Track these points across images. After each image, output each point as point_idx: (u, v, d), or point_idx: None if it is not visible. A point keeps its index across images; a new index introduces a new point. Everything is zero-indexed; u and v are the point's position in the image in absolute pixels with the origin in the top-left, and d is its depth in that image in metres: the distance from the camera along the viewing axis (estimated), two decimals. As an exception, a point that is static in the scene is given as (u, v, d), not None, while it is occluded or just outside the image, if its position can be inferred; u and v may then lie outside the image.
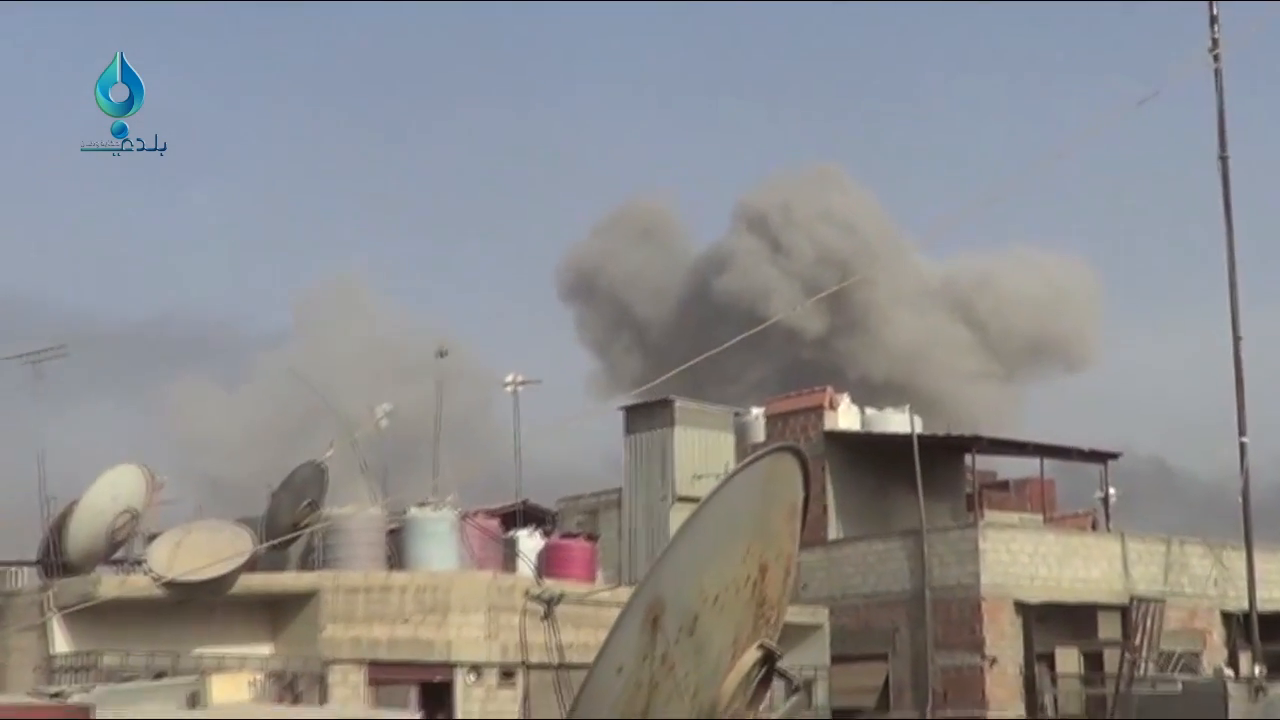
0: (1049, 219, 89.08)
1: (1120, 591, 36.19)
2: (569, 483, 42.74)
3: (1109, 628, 35.84)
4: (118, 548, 28.92)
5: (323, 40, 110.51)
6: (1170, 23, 64.40)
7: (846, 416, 40.27)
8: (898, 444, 37.83)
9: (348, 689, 26.83)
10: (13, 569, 30.20)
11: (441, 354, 35.40)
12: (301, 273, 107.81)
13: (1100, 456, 40.16)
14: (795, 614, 30.35)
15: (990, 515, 39.21)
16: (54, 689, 20.32)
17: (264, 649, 27.12)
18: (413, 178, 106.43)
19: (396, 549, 29.47)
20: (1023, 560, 35.57)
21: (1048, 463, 41.03)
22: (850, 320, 62.29)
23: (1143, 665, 33.78)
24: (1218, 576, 37.71)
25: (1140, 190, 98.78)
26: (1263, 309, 53.73)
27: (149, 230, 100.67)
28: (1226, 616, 37.42)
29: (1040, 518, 40.65)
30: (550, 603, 27.22)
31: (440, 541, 29.40)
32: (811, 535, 35.41)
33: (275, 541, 27.28)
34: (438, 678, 27.88)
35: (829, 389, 40.85)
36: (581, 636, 26.88)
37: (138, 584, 25.89)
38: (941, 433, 40.12)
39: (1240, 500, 29.21)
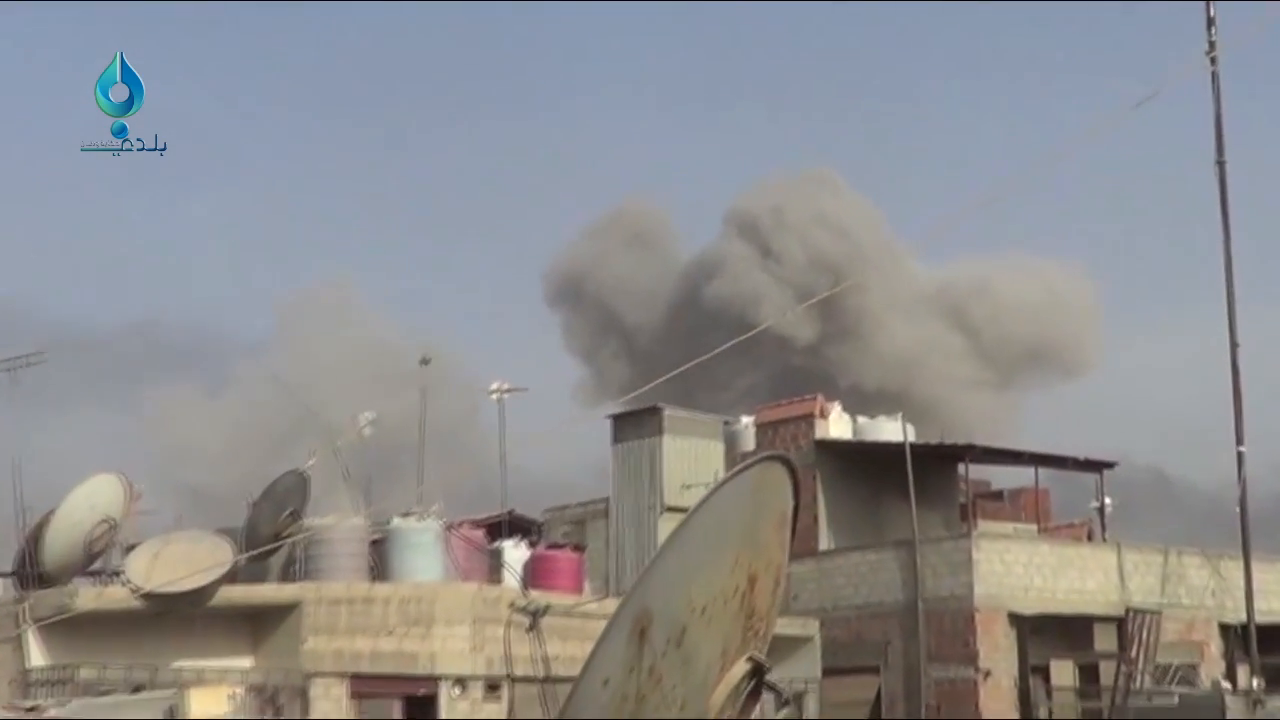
0: (1045, 223, 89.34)
1: (1116, 603, 36.24)
2: (555, 492, 42.80)
3: (1105, 640, 35.89)
4: (95, 558, 28.90)
5: (319, 42, 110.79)
6: (1171, 23, 64.47)
7: (838, 425, 40.30)
8: (890, 453, 37.87)
9: (330, 702, 26.82)
10: (-12, 580, 30.18)
11: (425, 361, 35.42)
12: (287, 278, 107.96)
13: (1096, 465, 40.22)
14: (785, 626, 30.37)
15: (984, 525, 39.25)
16: (29, 703, 20.32)
17: (244, 662, 27.11)
18: (406, 181, 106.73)
19: (380, 560, 29.47)
20: (1017, 571, 35.61)
21: (1043, 472, 41.08)
22: (842, 327, 62.33)
23: (1139, 678, 33.82)
24: (1215, 587, 37.74)
25: (1138, 193, 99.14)
26: (1263, 313, 53.88)
27: (138, 234, 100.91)
28: (1224, 628, 37.45)
29: (1035, 528, 40.71)
30: (535, 615, 27.23)
31: (424, 552, 29.39)
32: (802, 546, 35.44)
33: (256, 552, 27.25)
34: (421, 691, 27.87)
35: (820, 397, 40.87)
36: (568, 649, 26.81)
37: (116, 595, 25.89)
38: (935, 441, 40.16)
39: (1238, 510, 29.23)
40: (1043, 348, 66.70)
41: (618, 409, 39.89)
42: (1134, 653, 34.52)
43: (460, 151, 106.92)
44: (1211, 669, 36.25)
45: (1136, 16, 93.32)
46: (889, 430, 39.86)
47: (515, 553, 31.17)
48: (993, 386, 65.82)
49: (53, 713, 18.61)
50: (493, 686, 28.00)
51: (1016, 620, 35.11)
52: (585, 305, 70.48)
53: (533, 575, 30.28)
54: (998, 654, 34.80)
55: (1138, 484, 51.23)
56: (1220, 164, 29.25)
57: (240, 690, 24.92)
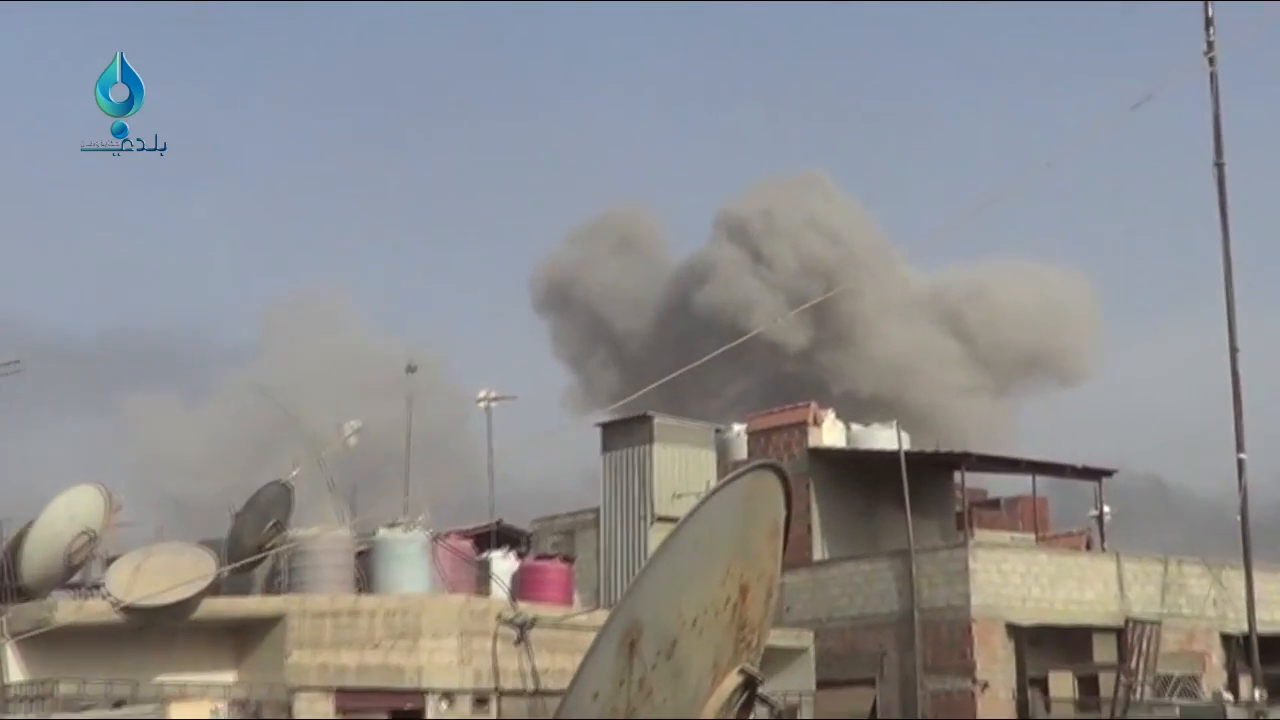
0: (1042, 226, 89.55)
1: (1116, 613, 36.24)
2: (544, 502, 42.80)
3: (1104, 651, 35.88)
4: (75, 571, 28.84)
5: (318, 44, 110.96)
6: (1170, 23, 64.65)
7: (831, 433, 40.31)
8: (885, 461, 37.86)
9: (315, 717, 26.78)
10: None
11: (411, 369, 35.39)
12: (277, 282, 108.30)
13: (1094, 473, 40.24)
14: (779, 637, 30.37)
15: (981, 534, 39.28)
16: (8, 719, 20.28)
17: (227, 676, 27.06)
18: (405, 184, 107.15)
19: (365, 571, 29.42)
20: (1015, 581, 35.61)
21: (1040, 480, 41.08)
22: (835, 333, 62.38)
23: (1139, 689, 33.84)
24: (1216, 597, 37.76)
25: (1136, 196, 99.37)
26: (1263, 317, 53.98)
27: (133, 238, 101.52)
28: (1226, 638, 37.46)
29: (1033, 537, 40.74)
30: (523, 627, 27.24)
31: (411, 564, 29.35)
32: (796, 556, 35.44)
33: (239, 564, 27.22)
34: (408, 705, 27.82)
35: (813, 404, 40.88)
36: (558, 662, 26.96)
37: (96, 609, 25.81)
38: (930, 449, 40.19)
39: (1239, 518, 29.25)
40: (1040, 353, 66.80)
41: (607, 417, 39.91)
42: (1134, 664, 34.52)
43: (458, 154, 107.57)
44: (1213, 680, 36.29)
45: (1135, 17, 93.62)
46: (883, 438, 39.85)
47: (503, 564, 31.14)
48: (989, 393, 65.94)
49: (32, 729, 18.58)
50: (481, 700, 27.97)
51: (1014, 631, 35.11)
52: (574, 311, 70.50)
53: (521, 587, 30.25)
54: (995, 665, 34.80)
55: (1137, 492, 51.36)
56: (1219, 166, 29.28)
57: (223, 705, 24.87)
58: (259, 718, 26.18)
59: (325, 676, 27.16)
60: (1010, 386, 67.79)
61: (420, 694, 27.87)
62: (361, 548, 29.78)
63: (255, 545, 28.35)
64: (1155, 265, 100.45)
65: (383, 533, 29.71)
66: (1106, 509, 40.85)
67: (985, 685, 34.49)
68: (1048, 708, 35.60)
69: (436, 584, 29.57)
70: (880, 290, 63.23)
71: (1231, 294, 28.82)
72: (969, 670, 34.58)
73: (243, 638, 27.60)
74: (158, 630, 26.18)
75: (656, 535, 35.52)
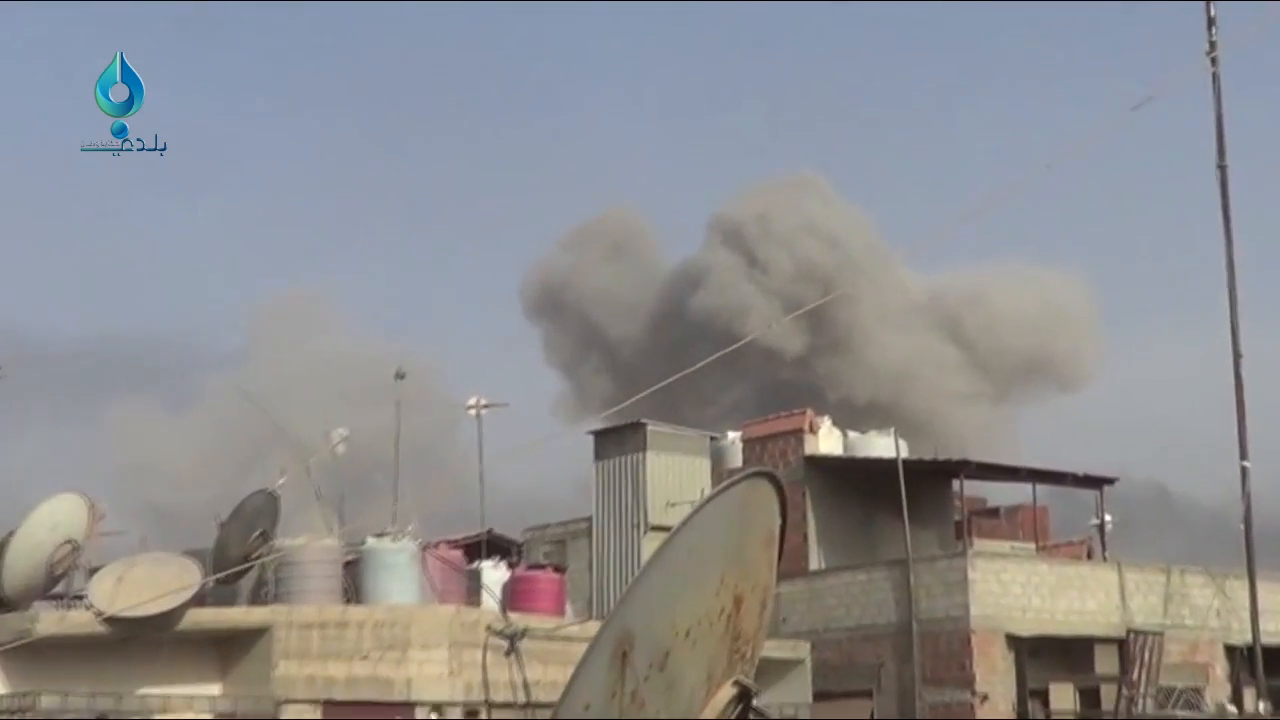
0: (1042, 230, 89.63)
1: (1117, 624, 36.26)
2: (536, 511, 42.79)
3: (1106, 662, 35.89)
4: (57, 582, 28.77)
5: (315, 47, 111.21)
6: (1171, 24, 64.74)
7: (828, 440, 40.33)
8: (882, 469, 37.88)
9: (302, 730, 26.75)
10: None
11: (400, 375, 35.34)
12: (270, 288, 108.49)
13: (1096, 481, 40.25)
14: (774, 648, 30.34)
15: (980, 544, 39.27)
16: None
17: (212, 688, 27.00)
18: (396, 187, 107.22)
19: (353, 582, 29.37)
20: (1015, 591, 35.62)
21: (1041, 488, 41.11)
22: (832, 339, 62.39)
23: (1141, 702, 33.85)
24: (1220, 608, 37.78)
25: (1138, 199, 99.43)
26: (1267, 322, 54.01)
27: (129, 241, 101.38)
28: (1230, 650, 37.47)
29: (1033, 546, 40.73)
30: (513, 638, 27.20)
31: (400, 574, 29.31)
32: (792, 565, 35.48)
33: (224, 574, 27.18)
34: (398, 717, 27.78)
35: (809, 411, 40.90)
36: (549, 673, 26.92)
37: (78, 620, 25.76)
38: (928, 457, 40.20)
39: (1242, 527, 29.25)
40: (1040, 359, 66.82)
41: (600, 424, 39.91)
42: (1136, 675, 34.54)
43: (452, 156, 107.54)
44: (1216, 692, 36.29)
45: (1135, 17, 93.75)
46: (881, 446, 39.88)
47: (494, 574, 31.10)
48: (988, 399, 65.96)
49: (13, 742, 18.56)
50: (471, 712, 27.93)
51: (1014, 642, 35.13)
52: (566, 317, 70.50)
53: (512, 597, 30.21)
54: (995, 677, 34.81)
55: (1139, 500, 51.38)
56: (1222, 168, 29.26)
57: (209, 718, 24.84)
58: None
59: (313, 689, 27.11)
60: (1010, 393, 67.88)
61: (409, 706, 27.82)
62: (349, 558, 29.74)
63: (241, 555, 28.27)
64: (1157, 269, 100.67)
65: (371, 542, 29.66)
66: (1108, 518, 40.86)
67: (985, 697, 34.50)
68: (1048, 720, 35.65)
69: (426, 594, 29.53)
70: (878, 295, 63.25)
71: (1235, 298, 28.79)
72: (968, 682, 34.58)
73: (228, 649, 27.55)
74: (141, 642, 26.13)
75: (650, 545, 35.50)
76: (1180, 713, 33.20)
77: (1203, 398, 60.87)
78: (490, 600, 29.83)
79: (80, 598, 27.49)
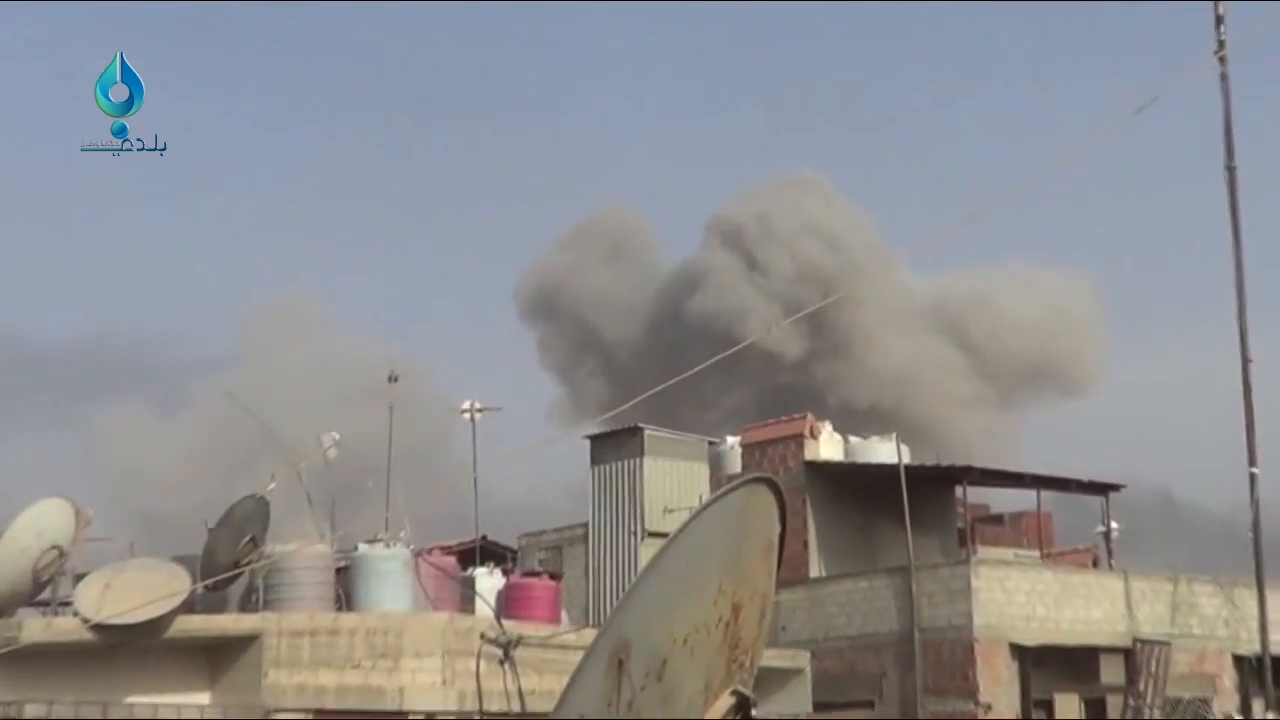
0: (1046, 232, 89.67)
1: (1124, 633, 36.25)
2: (531, 517, 42.81)
3: (1112, 672, 35.88)
4: (43, 588, 28.74)
5: (314, 48, 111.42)
6: (1176, 24, 64.87)
7: (829, 446, 40.34)
8: (884, 475, 37.87)
9: (292, 740, 26.73)
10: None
11: (393, 379, 35.33)
12: (266, 290, 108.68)
13: (1101, 488, 40.27)
14: (774, 658, 30.33)
15: (984, 551, 39.28)
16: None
17: (201, 697, 27.00)
18: (394, 188, 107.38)
19: (345, 589, 29.36)
20: (1019, 599, 35.61)
21: (1046, 495, 41.15)
22: (833, 342, 62.39)
23: (1148, 712, 33.83)
24: (1228, 617, 37.76)
25: (1144, 200, 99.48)
26: (1276, 326, 53.94)
27: (126, 243, 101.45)
28: (1238, 660, 37.46)
29: (1037, 554, 40.74)
30: (507, 647, 27.15)
31: (392, 581, 29.30)
32: (792, 573, 35.46)
33: (214, 580, 27.15)
34: (390, 727, 27.78)
35: (810, 416, 40.91)
36: (545, 682, 26.77)
37: (65, 627, 25.74)
38: (931, 463, 40.22)
39: (1251, 535, 29.25)
40: (1044, 363, 66.84)
41: (596, 429, 39.88)
42: (1143, 686, 34.53)
43: (450, 157, 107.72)
44: (1225, 703, 36.29)
45: (1140, 17, 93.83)
46: (883, 451, 39.88)
47: (489, 581, 31.11)
48: (992, 404, 66.00)
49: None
50: (465, 722, 27.94)
51: (1018, 651, 35.10)
52: (561, 320, 70.51)
53: (507, 605, 30.22)
54: (999, 687, 34.79)
55: (1145, 507, 51.41)
56: (1230, 169, 29.27)
57: None
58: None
59: (303, 697, 27.10)
60: (1013, 397, 67.91)
61: (402, 715, 27.83)
62: (341, 564, 29.73)
63: (231, 561, 28.27)
64: (1163, 272, 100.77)
65: (363, 549, 29.65)
66: (1114, 525, 40.88)
67: (988, 708, 34.48)
68: (1053, 731, 35.63)
69: (419, 602, 29.52)
70: (879, 298, 63.29)
71: (1243, 302, 28.79)
72: (971, 692, 34.56)
73: (217, 657, 27.53)
74: (129, 649, 26.10)
75: (647, 551, 35.51)
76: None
77: (1210, 403, 61.05)
78: (485, 608, 29.80)
79: (67, 604, 27.46)
